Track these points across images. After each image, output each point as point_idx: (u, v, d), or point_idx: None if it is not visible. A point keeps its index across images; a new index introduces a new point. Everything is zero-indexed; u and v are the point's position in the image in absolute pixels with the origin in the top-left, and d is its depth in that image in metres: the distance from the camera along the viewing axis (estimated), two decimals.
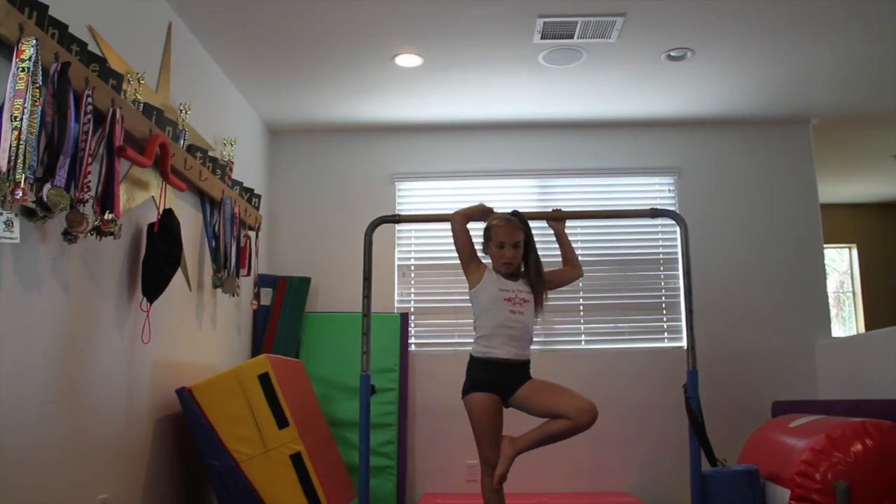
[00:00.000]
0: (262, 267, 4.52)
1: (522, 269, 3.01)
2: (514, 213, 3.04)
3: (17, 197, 2.01)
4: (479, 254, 3.03)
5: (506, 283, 2.92)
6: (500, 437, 2.88)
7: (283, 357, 3.63)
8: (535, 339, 4.57)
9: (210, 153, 3.62)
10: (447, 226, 4.78)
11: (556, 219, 3.20)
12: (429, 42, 3.75)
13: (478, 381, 2.87)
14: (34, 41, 2.10)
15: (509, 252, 2.91)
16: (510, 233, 2.93)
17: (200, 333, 3.62)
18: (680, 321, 4.73)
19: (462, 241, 2.95)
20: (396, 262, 4.84)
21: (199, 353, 3.61)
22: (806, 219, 4.83)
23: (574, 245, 4.81)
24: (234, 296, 3.79)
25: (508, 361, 2.87)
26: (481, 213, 3.06)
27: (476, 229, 3.05)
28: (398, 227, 4.84)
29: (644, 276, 4.83)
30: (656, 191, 4.96)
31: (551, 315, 4.74)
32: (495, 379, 2.86)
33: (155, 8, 3.24)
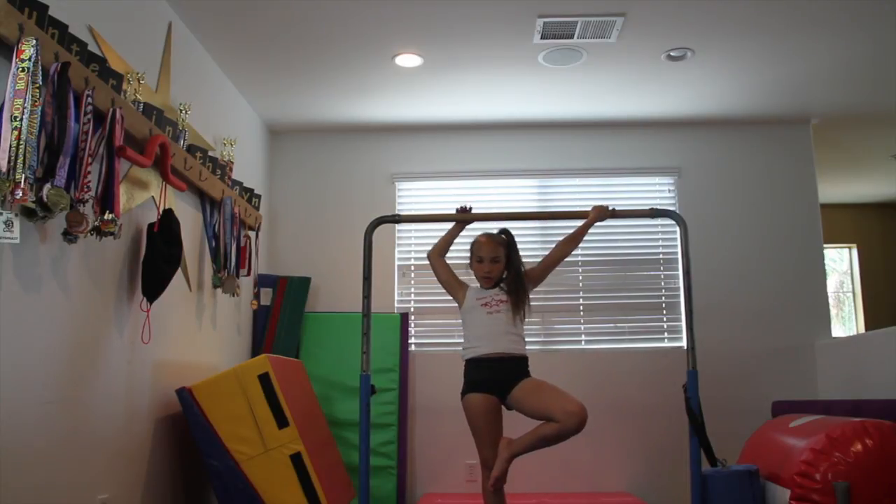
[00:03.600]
0: (262, 267, 4.52)
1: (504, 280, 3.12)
2: (503, 232, 3.17)
3: (17, 197, 2.01)
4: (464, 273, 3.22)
5: (482, 293, 3.08)
6: (497, 437, 2.89)
7: (283, 357, 3.63)
8: (535, 339, 4.58)
9: (210, 153, 3.62)
10: (447, 226, 4.83)
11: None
12: (429, 42, 3.75)
13: (472, 383, 2.97)
14: (34, 41, 2.10)
15: (486, 266, 3.06)
16: (490, 248, 3.08)
17: (200, 333, 3.62)
18: (680, 321, 4.73)
19: (442, 275, 3.18)
20: (396, 262, 4.84)
21: (199, 353, 3.61)
22: (806, 219, 4.83)
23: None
24: (234, 296, 3.79)
25: (491, 356, 2.95)
26: (455, 232, 3.26)
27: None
28: (398, 227, 4.84)
29: (644, 276, 4.83)
30: (656, 191, 4.96)
31: (551, 315, 4.75)
32: (487, 377, 2.94)
33: (155, 8, 3.24)
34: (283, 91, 4.33)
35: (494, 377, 2.93)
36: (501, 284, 3.09)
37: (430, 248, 4.86)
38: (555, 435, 2.76)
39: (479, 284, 3.13)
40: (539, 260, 3.23)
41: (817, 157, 4.94)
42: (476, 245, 3.12)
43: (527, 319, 3.08)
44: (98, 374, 2.67)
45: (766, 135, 4.91)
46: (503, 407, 2.99)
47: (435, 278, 4.87)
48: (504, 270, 3.10)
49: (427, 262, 4.77)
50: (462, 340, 3.10)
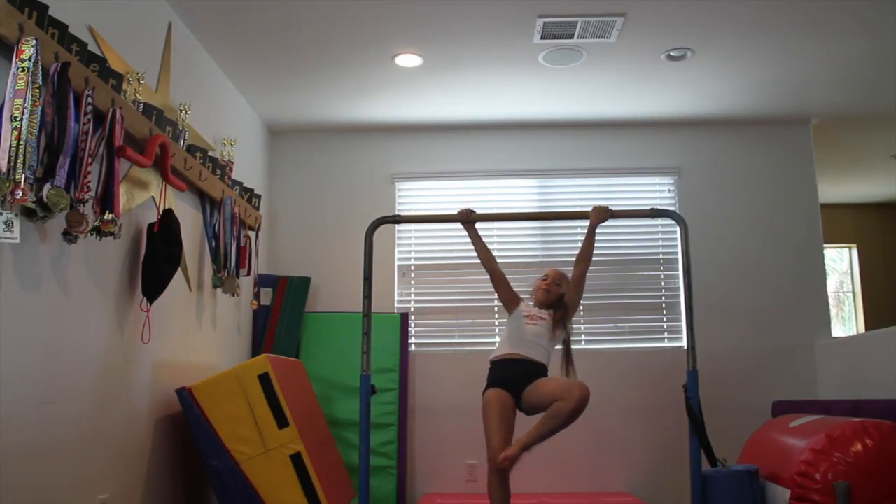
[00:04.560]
0: (262, 267, 4.52)
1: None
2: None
3: (17, 197, 2.01)
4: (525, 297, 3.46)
5: (530, 308, 3.32)
6: (506, 433, 3.02)
7: (283, 357, 3.63)
8: None
9: (210, 153, 3.62)
10: (447, 226, 4.88)
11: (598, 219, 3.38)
12: (429, 42, 3.75)
13: (491, 380, 3.18)
14: (34, 41, 2.10)
15: (548, 282, 3.33)
16: (557, 275, 3.38)
17: (200, 333, 3.62)
18: (680, 321, 4.73)
19: (501, 290, 3.35)
20: (396, 262, 4.84)
21: (199, 353, 3.61)
22: (806, 219, 4.83)
23: (574, 245, 4.85)
24: (234, 296, 3.79)
25: (511, 357, 3.16)
26: (475, 235, 3.40)
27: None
28: (398, 227, 4.84)
29: (644, 276, 4.83)
30: (656, 191, 4.96)
31: None
32: (504, 375, 3.14)
33: (155, 8, 3.24)
34: (283, 91, 4.33)
35: (511, 374, 3.13)
36: (550, 310, 3.30)
37: (429, 246, 4.94)
38: (560, 411, 2.88)
39: (531, 301, 3.37)
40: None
41: (817, 157, 4.93)
42: (547, 271, 3.45)
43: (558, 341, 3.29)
44: (98, 374, 2.67)
45: (766, 135, 4.91)
46: (518, 411, 3.14)
47: (435, 281, 5.01)
48: (559, 300, 3.32)
49: (427, 262, 4.86)
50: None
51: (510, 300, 3.36)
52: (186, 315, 3.45)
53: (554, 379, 3.10)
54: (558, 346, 3.34)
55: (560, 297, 3.33)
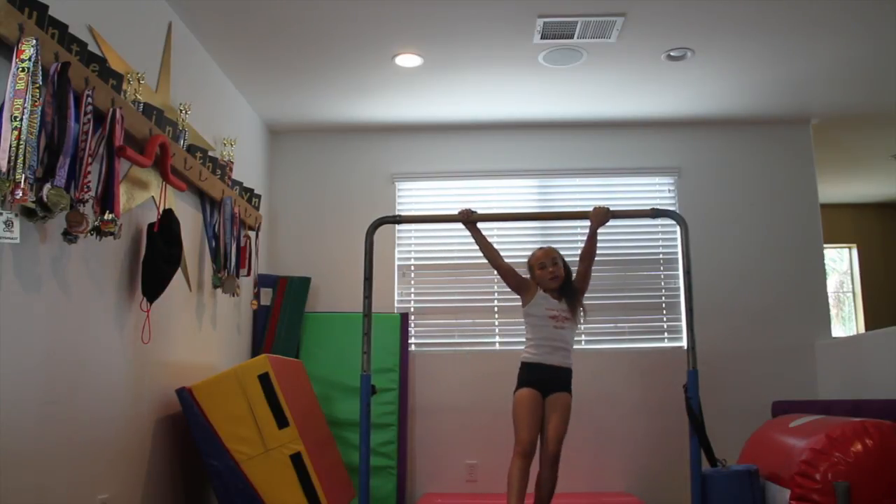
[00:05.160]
0: (262, 267, 4.52)
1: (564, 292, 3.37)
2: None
3: (17, 197, 2.01)
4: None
5: (552, 303, 3.34)
6: (535, 424, 3.22)
7: (283, 357, 3.63)
8: None
9: (210, 153, 3.62)
10: (447, 226, 4.89)
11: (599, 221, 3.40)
12: (429, 42, 3.75)
13: (524, 381, 3.30)
14: (34, 41, 2.10)
15: (550, 269, 3.34)
16: (548, 255, 3.38)
17: (200, 333, 3.62)
18: (680, 321, 4.73)
19: (511, 281, 3.39)
20: (396, 263, 4.84)
21: (199, 353, 3.61)
22: (806, 219, 4.83)
23: (574, 245, 4.86)
24: (234, 296, 3.79)
25: (547, 365, 3.29)
26: (478, 234, 3.40)
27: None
28: (398, 227, 4.84)
29: (644, 276, 4.83)
30: (656, 191, 4.96)
31: None
32: (538, 378, 3.28)
33: (155, 8, 3.24)
34: (283, 91, 4.33)
35: (543, 378, 3.28)
36: (565, 299, 3.34)
37: (429, 246, 4.95)
38: (539, 482, 3.28)
39: (544, 291, 3.36)
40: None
41: (817, 157, 4.93)
42: (533, 259, 3.41)
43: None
44: (98, 374, 2.67)
45: (766, 135, 4.91)
46: None
47: (435, 281, 5.02)
48: (568, 278, 3.37)
49: (427, 262, 4.86)
50: (525, 343, 3.37)
51: (521, 286, 3.39)
52: (186, 315, 3.45)
53: (561, 421, 3.24)
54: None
55: (567, 274, 3.37)
